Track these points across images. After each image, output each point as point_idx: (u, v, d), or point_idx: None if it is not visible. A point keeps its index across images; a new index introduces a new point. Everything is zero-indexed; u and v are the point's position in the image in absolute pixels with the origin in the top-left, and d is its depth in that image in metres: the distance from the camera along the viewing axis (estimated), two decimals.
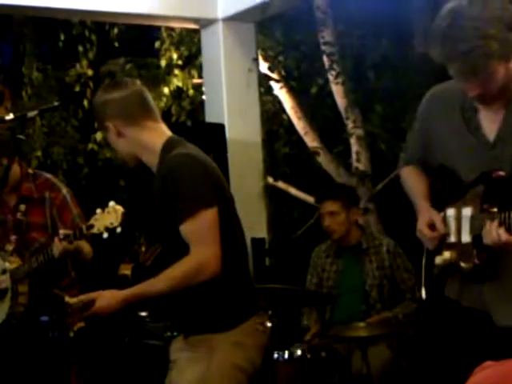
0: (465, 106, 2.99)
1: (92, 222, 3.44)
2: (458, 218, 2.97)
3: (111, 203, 3.32)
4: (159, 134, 3.12)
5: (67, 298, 3.06)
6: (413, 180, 3.24)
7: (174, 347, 3.16)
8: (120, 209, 3.30)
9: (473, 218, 2.91)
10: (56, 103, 4.36)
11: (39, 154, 8.86)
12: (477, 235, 2.87)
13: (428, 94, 3.19)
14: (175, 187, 2.94)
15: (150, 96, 3.19)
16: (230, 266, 2.96)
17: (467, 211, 2.94)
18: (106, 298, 3.02)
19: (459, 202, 2.98)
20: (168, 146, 3.06)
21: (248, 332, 3.00)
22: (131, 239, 4.96)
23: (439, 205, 3.09)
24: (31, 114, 3.54)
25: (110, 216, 3.33)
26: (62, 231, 3.90)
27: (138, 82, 3.24)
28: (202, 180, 2.96)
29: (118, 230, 3.30)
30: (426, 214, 3.07)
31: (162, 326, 4.88)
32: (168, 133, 3.14)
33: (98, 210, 3.38)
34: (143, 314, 4.91)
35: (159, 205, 3.03)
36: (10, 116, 3.60)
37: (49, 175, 4.40)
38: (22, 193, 4.22)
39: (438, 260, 3.02)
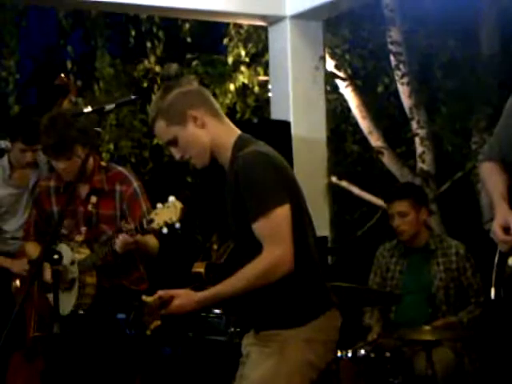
0: None
1: (152, 216, 3.47)
2: None
3: (171, 198, 3.32)
4: (232, 130, 3.14)
5: (144, 297, 3.08)
6: (492, 178, 3.21)
7: (245, 342, 3.18)
8: (179, 204, 3.31)
9: None
10: (133, 97, 4.42)
11: (110, 146, 8.99)
12: None
13: None
14: (248, 185, 2.95)
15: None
16: (301, 263, 2.97)
17: None
18: (183, 299, 3.03)
19: None
20: (239, 143, 3.07)
21: (320, 328, 3.01)
22: (205, 237, 5.00)
23: None
24: (109, 107, 3.59)
25: (169, 211, 3.34)
26: (124, 225, 3.96)
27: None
28: (274, 178, 2.97)
29: (177, 225, 3.31)
30: (502, 215, 3.05)
31: (225, 322, 4.90)
32: (238, 130, 3.16)
33: (159, 205, 3.40)
34: (217, 311, 4.93)
35: (232, 202, 3.04)
36: (89, 109, 3.67)
37: (121, 168, 4.45)
38: (93, 184, 4.28)
39: (511, 261, 3.01)
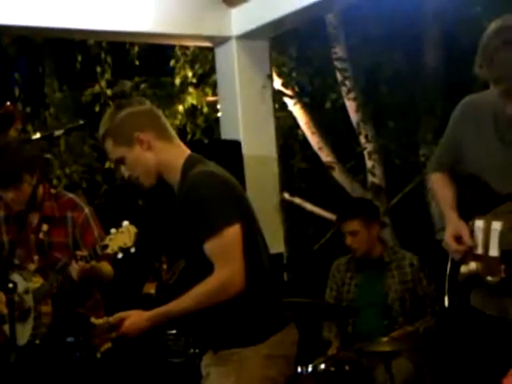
0: (498, 118, 3.00)
1: (106, 241, 3.44)
2: (487, 231, 2.98)
3: (125, 223, 3.32)
4: (181, 151, 3.15)
5: (93, 319, 3.06)
6: (441, 188, 3.25)
7: (204, 363, 3.18)
8: (133, 229, 3.31)
9: (502, 233, 2.92)
10: (81, 121, 4.40)
11: (59, 172, 8.93)
12: (506, 250, 2.88)
13: (462, 101, 3.19)
14: (197, 205, 2.96)
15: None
16: (255, 281, 2.98)
17: (497, 225, 2.95)
18: (134, 319, 3.04)
19: (489, 214, 2.99)
20: (189, 163, 3.08)
21: (278, 344, 3.02)
22: (153, 258, 4.99)
23: (466, 214, 3.11)
24: (58, 132, 3.56)
25: (123, 236, 3.33)
26: (78, 252, 3.93)
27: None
28: (225, 197, 2.98)
29: (132, 249, 3.30)
30: (453, 225, 3.09)
31: (184, 344, 4.89)
32: (188, 151, 3.16)
33: (113, 230, 3.39)
34: (172, 331, 4.91)
35: (182, 222, 3.05)
36: (37, 135, 3.64)
37: (71, 195, 4.42)
38: (44, 212, 4.25)
39: (464, 269, 3.05)
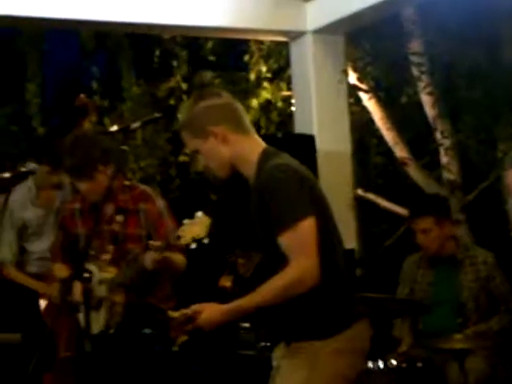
0: None
1: (179, 232, 3.48)
2: None
3: (198, 214, 3.33)
4: (257, 144, 3.15)
5: (170, 312, 3.08)
6: None
7: (276, 355, 3.19)
8: (207, 220, 3.32)
9: None
10: (157, 115, 4.46)
11: (133, 166, 9.06)
12: None
13: None
14: (273, 197, 2.96)
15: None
16: (329, 275, 2.97)
17: None
18: (210, 312, 3.04)
19: None
20: (264, 156, 3.09)
21: (350, 338, 3.01)
22: (229, 251, 5.01)
23: None
24: (134, 125, 3.62)
25: (196, 227, 3.35)
26: (151, 242, 3.98)
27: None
28: (299, 190, 2.97)
29: (205, 240, 3.32)
30: None
31: (255, 336, 4.90)
32: (263, 144, 3.17)
33: (186, 221, 3.41)
34: (245, 324, 4.93)
35: (257, 215, 3.05)
36: (114, 128, 3.70)
37: (145, 187, 4.48)
38: (118, 204, 4.31)
39: None
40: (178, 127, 3.25)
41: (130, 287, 4.17)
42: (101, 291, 4.17)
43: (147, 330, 4.01)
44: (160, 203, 4.32)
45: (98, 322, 4.17)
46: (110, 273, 4.22)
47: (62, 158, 4.30)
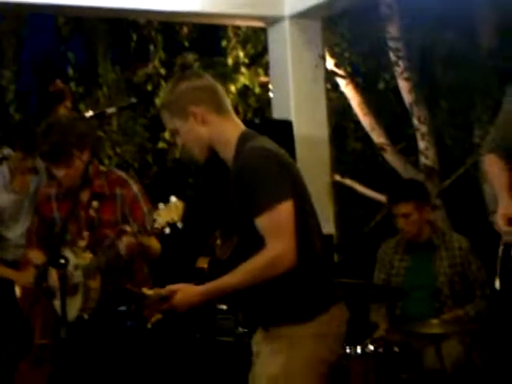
0: None
1: (154, 216, 3.47)
2: None
3: (172, 198, 3.34)
4: (236, 126, 3.15)
5: (144, 290, 3.07)
6: (495, 170, 3.21)
7: (254, 340, 3.19)
8: (181, 204, 3.32)
9: None
10: (133, 100, 4.43)
11: (110, 152, 9.02)
12: None
13: None
14: (251, 180, 2.96)
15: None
16: (306, 258, 2.97)
17: None
18: (185, 293, 3.04)
19: None
20: (243, 139, 3.08)
21: (328, 322, 3.02)
22: (207, 233, 5.00)
23: None
24: (110, 111, 3.60)
25: (171, 211, 3.34)
26: (125, 227, 3.97)
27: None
28: (278, 173, 2.97)
29: (179, 225, 3.31)
30: (505, 206, 3.05)
31: (233, 322, 4.90)
32: (243, 126, 3.16)
33: (161, 205, 3.40)
34: (222, 306, 4.93)
35: (235, 197, 3.05)
36: (90, 113, 3.67)
37: (120, 172, 4.46)
38: (94, 189, 4.29)
39: None
40: (159, 106, 3.27)
41: (106, 272, 4.15)
42: (77, 277, 4.16)
43: (122, 308, 3.99)
44: (136, 188, 4.31)
45: (74, 307, 4.15)
46: (86, 258, 4.20)
47: (37, 143, 4.27)
